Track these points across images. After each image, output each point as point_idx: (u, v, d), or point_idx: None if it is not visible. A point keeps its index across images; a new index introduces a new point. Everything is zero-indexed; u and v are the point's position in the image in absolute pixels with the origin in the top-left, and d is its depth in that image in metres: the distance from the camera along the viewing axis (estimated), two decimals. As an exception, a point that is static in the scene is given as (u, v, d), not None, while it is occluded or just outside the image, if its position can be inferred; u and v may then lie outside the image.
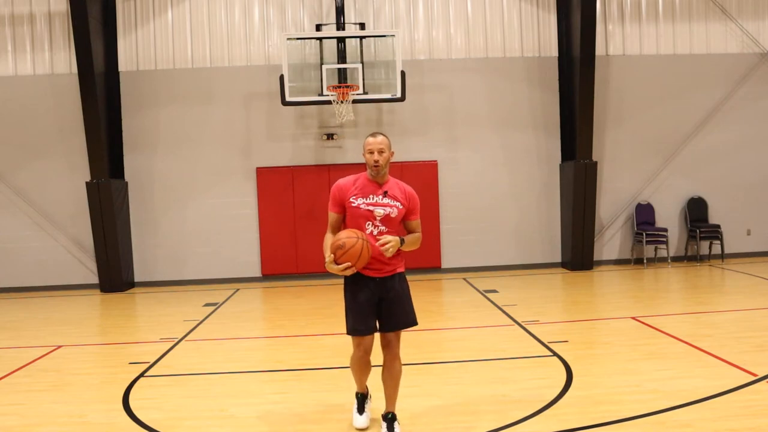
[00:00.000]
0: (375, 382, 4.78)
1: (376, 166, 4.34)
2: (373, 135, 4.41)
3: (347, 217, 4.39)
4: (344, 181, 4.43)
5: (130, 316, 10.03)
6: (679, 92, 12.75)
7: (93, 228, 11.79)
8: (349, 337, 4.45)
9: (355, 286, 4.37)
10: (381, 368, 4.47)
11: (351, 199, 4.36)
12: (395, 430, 4.44)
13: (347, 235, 4.19)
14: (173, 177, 12.41)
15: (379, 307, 4.38)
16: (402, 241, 4.33)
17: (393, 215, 4.34)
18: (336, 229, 4.44)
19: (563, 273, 12.21)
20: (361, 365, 4.46)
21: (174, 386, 5.93)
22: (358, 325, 4.33)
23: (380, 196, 4.36)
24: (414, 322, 4.46)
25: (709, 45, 12.77)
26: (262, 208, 12.43)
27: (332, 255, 4.17)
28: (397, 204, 4.37)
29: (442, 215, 12.58)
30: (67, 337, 8.25)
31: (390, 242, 4.20)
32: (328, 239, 4.37)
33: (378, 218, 4.32)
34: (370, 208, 4.33)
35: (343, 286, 4.49)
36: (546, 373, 5.83)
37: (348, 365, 4.70)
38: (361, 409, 4.67)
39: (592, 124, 12.08)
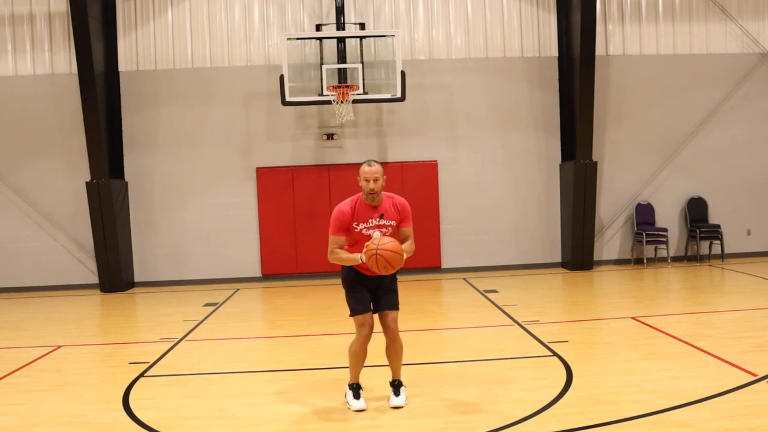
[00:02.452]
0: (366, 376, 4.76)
1: (371, 194, 4.85)
2: (368, 164, 4.89)
3: (349, 238, 4.94)
4: (345, 208, 4.90)
5: (130, 316, 10.04)
6: (679, 92, 12.75)
7: (93, 228, 11.79)
8: (349, 336, 4.58)
9: (355, 280, 4.99)
10: (384, 348, 5.08)
11: (353, 225, 4.89)
12: (401, 393, 5.07)
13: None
14: (173, 177, 12.41)
15: (373, 294, 5.01)
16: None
17: (388, 234, 4.93)
18: (341, 249, 4.96)
19: (563, 273, 12.21)
20: (362, 349, 4.94)
21: (174, 386, 5.93)
22: (359, 306, 4.93)
23: (377, 219, 4.92)
24: (396, 307, 5.06)
25: (709, 45, 12.77)
26: (262, 208, 12.43)
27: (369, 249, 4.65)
28: (392, 222, 4.96)
29: (442, 215, 12.58)
30: (67, 337, 8.25)
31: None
32: (343, 252, 4.90)
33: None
34: (370, 232, 4.89)
35: (341, 282, 5.09)
36: (546, 373, 5.83)
37: (345, 364, 4.87)
38: (357, 396, 5.02)
39: (592, 124, 12.08)
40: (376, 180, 4.83)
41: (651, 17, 12.72)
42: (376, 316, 5.03)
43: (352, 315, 4.96)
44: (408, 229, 5.06)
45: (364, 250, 4.64)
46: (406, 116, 12.46)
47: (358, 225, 4.87)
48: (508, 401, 5.08)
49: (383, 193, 4.97)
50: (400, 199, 5.04)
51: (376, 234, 4.85)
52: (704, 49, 12.77)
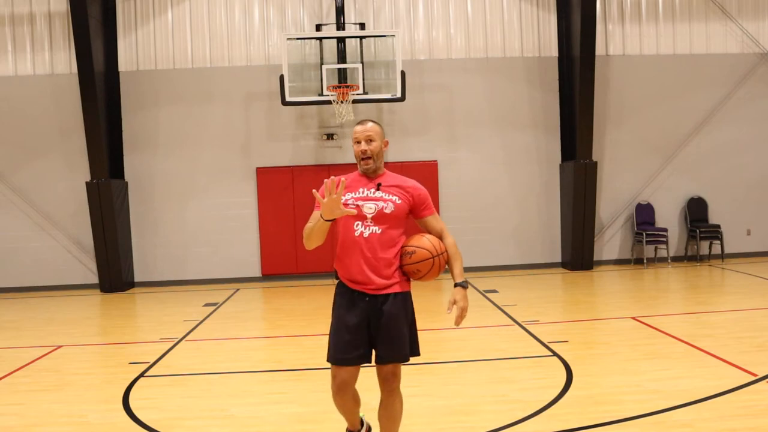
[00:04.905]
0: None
1: (365, 159, 3.66)
2: (361, 122, 3.74)
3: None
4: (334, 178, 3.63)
5: (130, 316, 10.04)
6: (679, 92, 12.75)
7: (93, 228, 11.79)
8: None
9: (344, 305, 3.67)
10: (378, 406, 3.82)
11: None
12: None
13: (420, 246, 3.63)
14: (173, 177, 12.41)
15: (375, 331, 3.62)
16: (465, 285, 3.65)
17: (387, 211, 3.59)
18: None
19: (563, 273, 12.21)
20: (340, 401, 3.72)
21: (174, 386, 5.93)
22: (337, 353, 3.63)
23: (372, 190, 3.65)
24: (404, 358, 3.64)
25: (709, 45, 12.77)
26: (262, 208, 12.43)
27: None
28: (393, 198, 3.63)
29: (442, 215, 12.48)
30: (67, 337, 8.25)
31: (464, 309, 3.58)
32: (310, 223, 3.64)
33: (369, 216, 3.58)
34: (359, 203, 3.59)
35: (332, 302, 3.81)
36: (546, 373, 5.83)
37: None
38: None
39: (592, 124, 12.08)
40: (369, 140, 3.65)
41: (651, 17, 12.72)
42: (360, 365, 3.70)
43: (328, 359, 3.70)
44: (433, 220, 3.79)
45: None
46: (406, 116, 12.46)
47: (345, 194, 3.62)
48: (508, 401, 5.08)
49: (389, 172, 3.80)
50: (411, 182, 3.77)
51: (369, 206, 3.58)
52: (704, 49, 12.76)
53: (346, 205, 3.55)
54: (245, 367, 6.54)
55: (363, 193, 3.65)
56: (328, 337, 3.74)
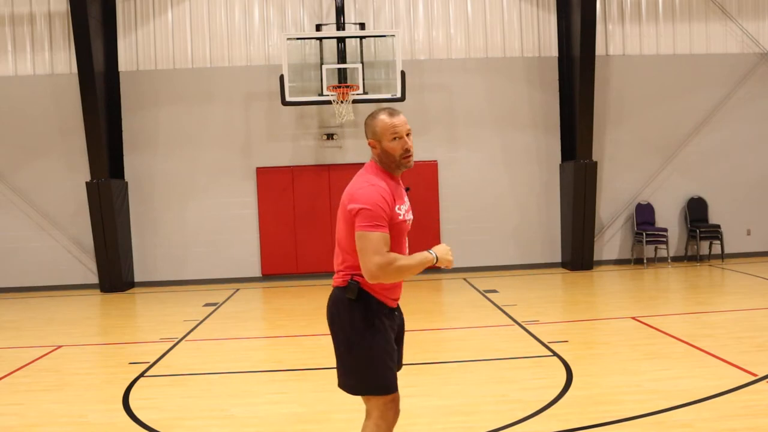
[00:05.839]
0: None
1: (408, 158, 3.04)
2: (390, 113, 3.06)
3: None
4: (383, 186, 2.97)
5: (130, 316, 10.04)
6: (679, 92, 12.75)
7: (93, 228, 11.79)
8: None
9: (385, 326, 3.08)
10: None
11: (397, 209, 2.99)
12: None
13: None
14: (173, 177, 12.41)
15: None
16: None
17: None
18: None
19: (563, 273, 12.21)
20: None
21: (174, 386, 5.93)
22: (394, 378, 3.12)
23: (406, 198, 3.15)
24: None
25: (709, 45, 12.77)
26: (262, 208, 12.43)
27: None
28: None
29: (442, 215, 12.57)
30: (67, 337, 8.25)
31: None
32: (404, 258, 2.96)
33: (408, 228, 3.14)
34: (408, 217, 3.06)
35: (350, 324, 3.22)
36: (546, 373, 5.83)
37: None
38: None
39: (592, 124, 12.08)
40: (409, 134, 3.06)
41: (651, 17, 12.72)
42: None
43: (384, 393, 3.13)
44: None
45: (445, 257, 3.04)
46: (406, 116, 12.24)
47: (400, 209, 3.00)
48: (508, 401, 5.08)
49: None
50: None
51: (410, 217, 3.11)
52: (704, 49, 12.76)
53: (404, 221, 3.05)
54: (245, 367, 6.54)
55: (407, 202, 3.09)
56: (373, 364, 3.07)
